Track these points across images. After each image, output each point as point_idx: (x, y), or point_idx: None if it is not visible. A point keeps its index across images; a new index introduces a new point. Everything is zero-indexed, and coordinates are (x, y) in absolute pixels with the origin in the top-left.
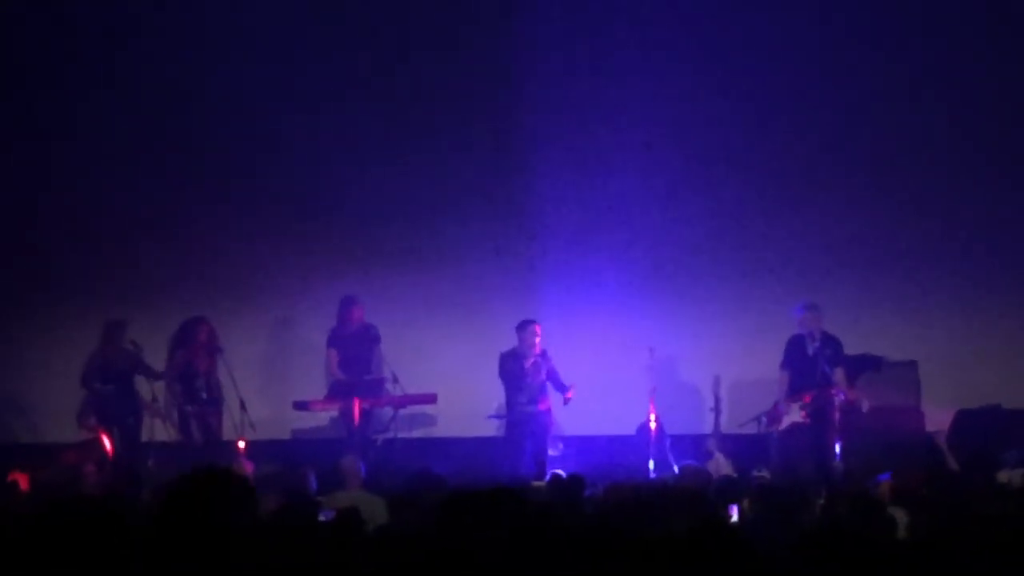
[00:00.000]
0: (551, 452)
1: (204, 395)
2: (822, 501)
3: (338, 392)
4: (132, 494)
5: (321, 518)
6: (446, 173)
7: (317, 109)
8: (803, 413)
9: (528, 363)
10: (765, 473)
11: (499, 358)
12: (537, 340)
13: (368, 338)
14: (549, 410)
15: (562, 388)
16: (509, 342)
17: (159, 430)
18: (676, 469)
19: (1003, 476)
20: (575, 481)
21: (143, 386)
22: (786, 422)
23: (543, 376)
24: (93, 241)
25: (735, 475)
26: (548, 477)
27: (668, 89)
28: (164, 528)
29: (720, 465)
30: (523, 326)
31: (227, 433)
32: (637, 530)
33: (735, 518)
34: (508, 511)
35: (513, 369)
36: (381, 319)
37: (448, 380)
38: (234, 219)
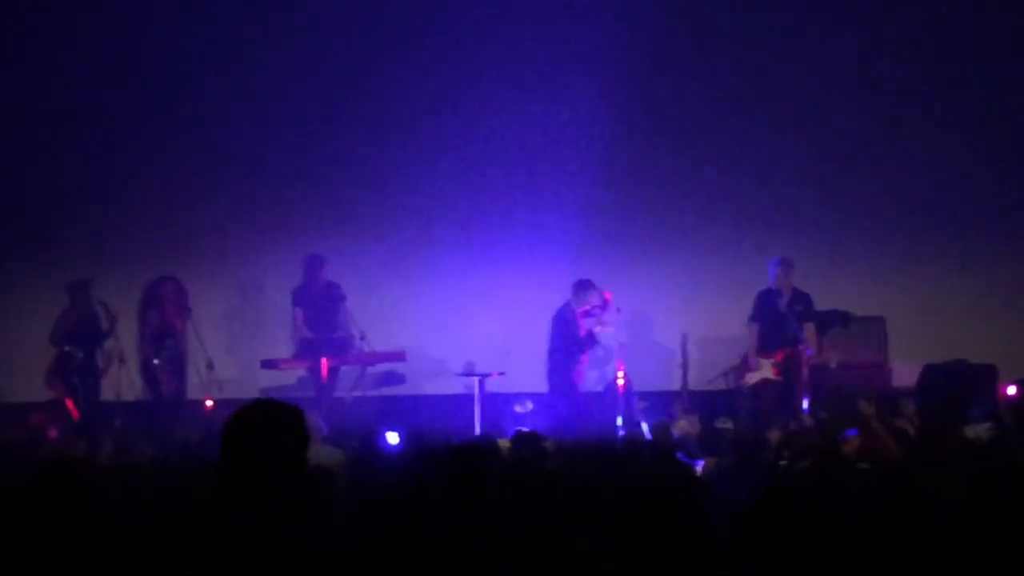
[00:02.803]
0: (518, 409)
1: (175, 353)
2: (784, 461)
3: (305, 350)
4: (89, 454)
5: None
6: (413, 133)
7: (285, 70)
8: (775, 370)
9: (607, 327)
10: (729, 424)
11: (558, 313)
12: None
13: (333, 296)
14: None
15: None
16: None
17: (126, 389)
18: (645, 427)
19: (969, 432)
20: (533, 438)
21: (113, 345)
22: (756, 377)
23: None
24: (61, 200)
25: (700, 430)
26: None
27: (636, 41)
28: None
29: (688, 423)
30: (585, 286)
31: (194, 392)
32: (598, 484)
33: (700, 468)
34: (474, 466)
35: (571, 325)
36: (350, 278)
37: (417, 338)
38: (199, 178)
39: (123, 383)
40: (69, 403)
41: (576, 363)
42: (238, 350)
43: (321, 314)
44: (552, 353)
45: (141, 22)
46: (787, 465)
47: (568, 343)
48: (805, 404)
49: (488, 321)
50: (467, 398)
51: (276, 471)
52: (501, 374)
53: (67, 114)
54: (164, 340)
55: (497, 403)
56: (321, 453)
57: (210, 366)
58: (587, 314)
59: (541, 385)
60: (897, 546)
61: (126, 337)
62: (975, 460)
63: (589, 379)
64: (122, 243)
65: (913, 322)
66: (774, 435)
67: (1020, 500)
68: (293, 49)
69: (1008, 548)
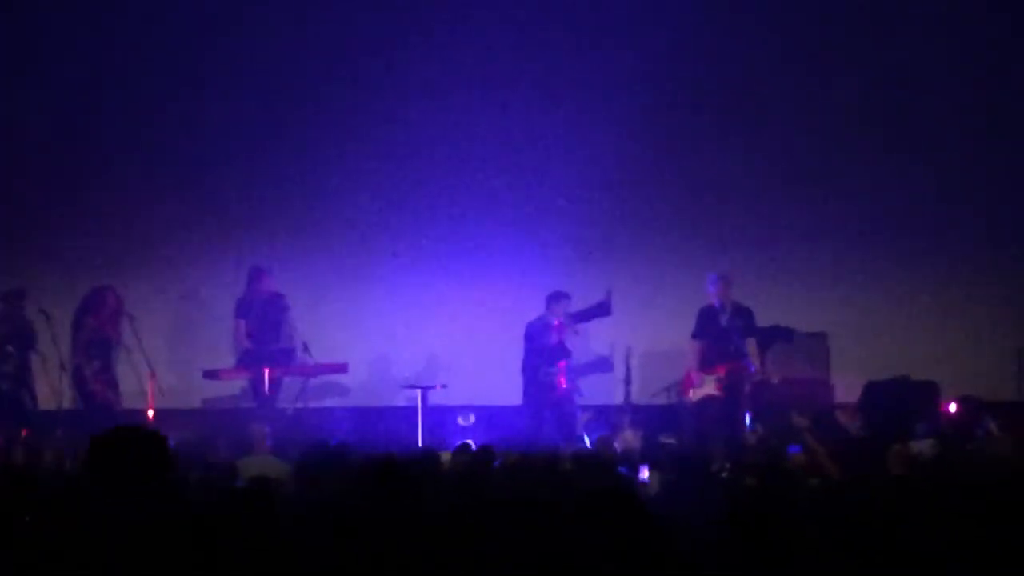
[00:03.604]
0: (461, 422)
1: (107, 362)
2: (726, 473)
3: (248, 361)
4: (30, 463)
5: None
6: (359, 144)
7: (233, 81)
8: (718, 386)
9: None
10: (672, 440)
11: (528, 327)
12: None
13: (277, 307)
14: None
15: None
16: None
17: (67, 398)
18: (588, 441)
19: (914, 447)
20: (485, 452)
21: (52, 354)
22: (699, 394)
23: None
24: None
25: (643, 444)
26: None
27: (586, 54)
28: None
29: (630, 438)
30: (558, 298)
31: (136, 401)
32: (544, 497)
33: (645, 476)
34: (421, 480)
35: (545, 337)
36: (292, 289)
37: (361, 350)
38: (141, 187)
39: (65, 392)
40: None
41: (550, 375)
42: (180, 360)
43: (264, 325)
44: (525, 365)
45: (86, 28)
46: (730, 481)
47: (542, 354)
48: (748, 420)
49: (432, 334)
50: (410, 410)
51: (137, 490)
52: (444, 386)
53: (4, 120)
54: (102, 349)
55: (440, 416)
56: (265, 464)
57: (152, 375)
58: (563, 325)
59: (484, 398)
60: (848, 559)
61: (65, 345)
62: (919, 475)
63: (566, 388)
64: (65, 251)
65: (855, 338)
66: (717, 451)
67: (968, 513)
68: (240, 61)
69: (962, 557)
